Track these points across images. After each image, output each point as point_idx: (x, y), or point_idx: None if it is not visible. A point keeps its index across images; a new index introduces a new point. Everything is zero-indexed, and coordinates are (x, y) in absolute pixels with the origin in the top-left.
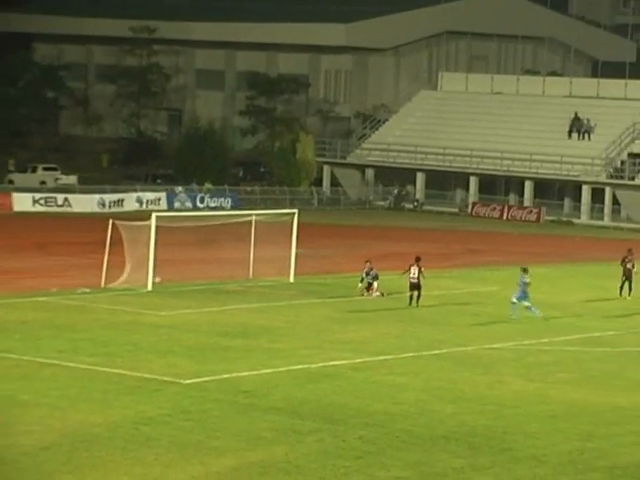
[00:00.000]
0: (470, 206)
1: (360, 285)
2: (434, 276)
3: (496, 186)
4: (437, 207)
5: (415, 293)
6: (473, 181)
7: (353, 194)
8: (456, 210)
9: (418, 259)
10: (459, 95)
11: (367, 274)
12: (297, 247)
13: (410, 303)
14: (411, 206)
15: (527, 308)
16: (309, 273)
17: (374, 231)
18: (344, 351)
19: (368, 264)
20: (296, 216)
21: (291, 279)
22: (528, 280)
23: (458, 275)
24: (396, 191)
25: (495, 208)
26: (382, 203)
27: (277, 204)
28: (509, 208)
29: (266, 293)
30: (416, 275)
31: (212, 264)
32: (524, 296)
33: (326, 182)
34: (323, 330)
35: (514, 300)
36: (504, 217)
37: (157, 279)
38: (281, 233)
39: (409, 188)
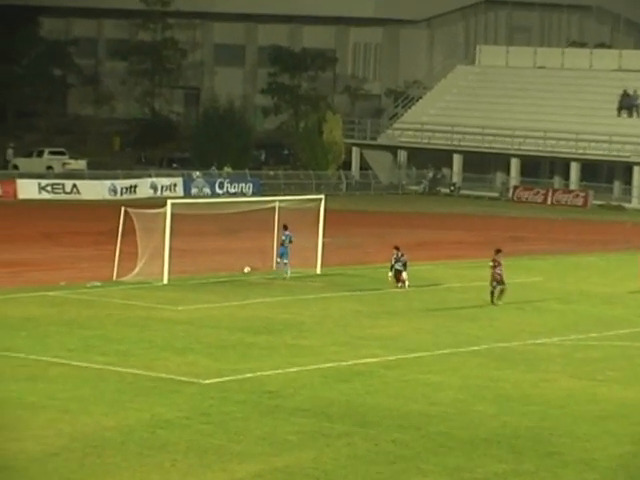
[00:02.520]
0: (511, 190)
1: (390, 275)
2: (472, 266)
3: (539, 168)
4: (475, 191)
5: (498, 289)
6: (514, 163)
7: (384, 178)
8: (496, 194)
9: (499, 251)
10: (499, 70)
11: (396, 261)
12: (324, 236)
13: (492, 300)
14: (447, 190)
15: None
16: (337, 264)
17: (407, 218)
18: (375, 347)
19: (396, 251)
20: (323, 202)
21: (318, 270)
22: (491, 264)
23: None
24: (431, 174)
25: (538, 192)
26: (416, 188)
27: (302, 189)
28: (553, 192)
29: (291, 285)
30: (500, 269)
31: (233, 254)
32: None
33: (355, 165)
34: (352, 325)
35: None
36: (548, 202)
37: (247, 269)
38: (307, 221)
39: (445, 171)
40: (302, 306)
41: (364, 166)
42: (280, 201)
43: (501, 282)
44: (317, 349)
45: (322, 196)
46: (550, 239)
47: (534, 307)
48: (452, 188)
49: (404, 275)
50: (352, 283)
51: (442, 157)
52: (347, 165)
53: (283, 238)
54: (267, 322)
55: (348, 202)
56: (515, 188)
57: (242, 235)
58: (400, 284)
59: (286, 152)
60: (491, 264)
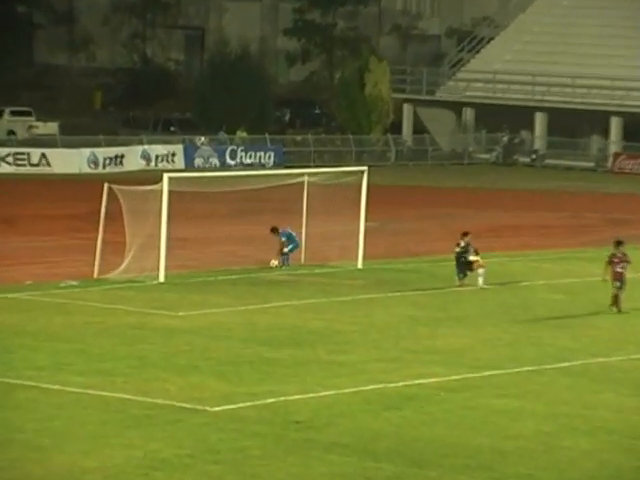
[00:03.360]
0: (611, 158)
1: (459, 274)
2: (561, 257)
3: None
4: (564, 161)
5: (620, 291)
6: (615, 123)
7: (445, 144)
8: (591, 164)
9: (619, 243)
10: (593, 3)
11: (463, 252)
12: (367, 219)
13: (614, 304)
14: (527, 160)
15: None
16: (384, 255)
17: (475, 196)
18: (434, 364)
19: (465, 238)
20: (365, 176)
21: (359, 264)
22: (458, 250)
23: (595, 256)
24: (506, 139)
25: None
26: (486, 156)
27: (338, 159)
28: None
29: (324, 284)
30: (622, 266)
31: (248, 244)
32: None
33: (407, 128)
34: (405, 335)
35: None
36: None
37: (274, 262)
38: (344, 200)
39: (524, 135)
40: (339, 311)
41: (419, 129)
42: (310, 175)
43: (624, 283)
44: (359, 366)
45: (365, 168)
46: None
47: None
48: (533, 157)
49: (479, 260)
50: (404, 281)
51: (520, 116)
52: (397, 128)
53: (291, 248)
54: (294, 332)
55: (398, 175)
56: (616, 156)
57: (260, 219)
58: (480, 270)
59: (317, 111)
60: (611, 259)
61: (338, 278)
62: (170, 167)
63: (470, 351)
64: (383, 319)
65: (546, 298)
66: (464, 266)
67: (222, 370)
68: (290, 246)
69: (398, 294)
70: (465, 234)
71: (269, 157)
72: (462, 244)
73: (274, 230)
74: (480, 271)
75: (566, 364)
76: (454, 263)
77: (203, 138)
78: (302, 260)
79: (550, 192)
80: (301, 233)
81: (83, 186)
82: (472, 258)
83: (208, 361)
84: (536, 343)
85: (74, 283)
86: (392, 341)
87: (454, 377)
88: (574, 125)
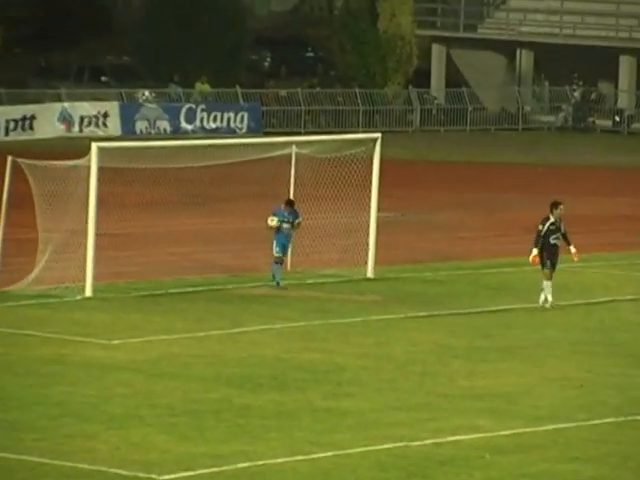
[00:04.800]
0: None
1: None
2: None
3: None
4: None
5: None
6: None
7: (492, 102)
8: None
9: None
10: None
11: (551, 231)
12: (380, 208)
13: None
14: (608, 123)
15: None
16: (405, 260)
17: (534, 174)
18: (475, 414)
19: (556, 211)
20: (378, 146)
21: (369, 272)
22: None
23: None
24: (578, 94)
25: None
26: (550, 118)
27: (340, 122)
28: None
29: (320, 301)
30: None
31: (212, 244)
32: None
33: (437, 78)
34: (433, 373)
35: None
36: None
37: (272, 220)
38: (349, 181)
39: (604, 88)
40: (341, 338)
41: (454, 80)
42: (300, 144)
43: None
44: (369, 417)
45: (377, 135)
46: None
47: None
48: (617, 119)
49: (572, 249)
50: (433, 296)
51: (598, 62)
52: (423, 78)
53: (282, 220)
54: (276, 368)
55: (425, 146)
56: None
57: (229, 208)
58: (546, 282)
59: (310, 54)
60: None
61: (339, 292)
62: (101, 133)
63: (526, 395)
64: (404, 350)
65: (635, 321)
66: (552, 253)
67: (175, 422)
68: (281, 237)
69: (424, 315)
70: (555, 205)
71: (242, 120)
72: (552, 219)
73: (291, 203)
74: (546, 284)
75: None
76: (532, 251)
77: (147, 93)
78: (288, 266)
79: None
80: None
81: None
82: (554, 242)
83: (154, 409)
84: (620, 385)
85: None
86: (416, 381)
87: (504, 432)
88: None
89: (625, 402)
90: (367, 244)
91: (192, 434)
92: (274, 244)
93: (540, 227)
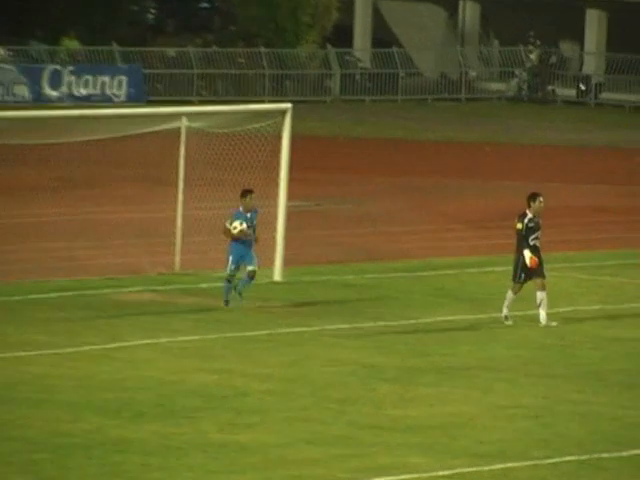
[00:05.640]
0: None
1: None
2: (624, 264)
3: None
4: (633, 95)
5: None
6: None
7: (429, 65)
8: None
9: None
10: None
11: (529, 229)
12: (291, 196)
13: None
14: (571, 93)
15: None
16: (321, 261)
17: (481, 154)
18: (407, 450)
19: (534, 204)
20: (288, 119)
21: (276, 274)
22: (521, 226)
23: None
24: (534, 57)
25: None
26: (500, 86)
27: (242, 89)
28: None
29: (218, 309)
30: None
31: (82, 238)
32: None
33: (362, 36)
34: (356, 399)
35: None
36: None
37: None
38: (251, 161)
39: (566, 50)
40: (241, 356)
41: (382, 38)
42: (191, 116)
43: None
44: (275, 453)
45: (288, 105)
46: None
47: None
48: (582, 87)
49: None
50: (357, 304)
51: (561, 17)
52: (344, 35)
53: (242, 221)
54: (160, 392)
55: (346, 119)
56: None
57: (104, 195)
58: (540, 293)
59: (205, 4)
60: None
61: (242, 298)
62: None
63: (470, 428)
64: (319, 371)
65: (600, 336)
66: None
67: (35, 460)
68: (238, 247)
69: (345, 327)
70: (534, 197)
71: (119, 85)
72: (529, 214)
73: (247, 192)
74: (540, 295)
75: (637, 451)
76: (525, 253)
77: (1, 50)
78: (176, 266)
79: (610, 148)
80: (175, 216)
81: None
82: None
83: (10, 444)
84: (584, 415)
85: None
86: (334, 409)
87: (442, 472)
88: None
89: (589, 436)
90: (275, 240)
91: (56, 474)
92: (229, 258)
93: (519, 226)
